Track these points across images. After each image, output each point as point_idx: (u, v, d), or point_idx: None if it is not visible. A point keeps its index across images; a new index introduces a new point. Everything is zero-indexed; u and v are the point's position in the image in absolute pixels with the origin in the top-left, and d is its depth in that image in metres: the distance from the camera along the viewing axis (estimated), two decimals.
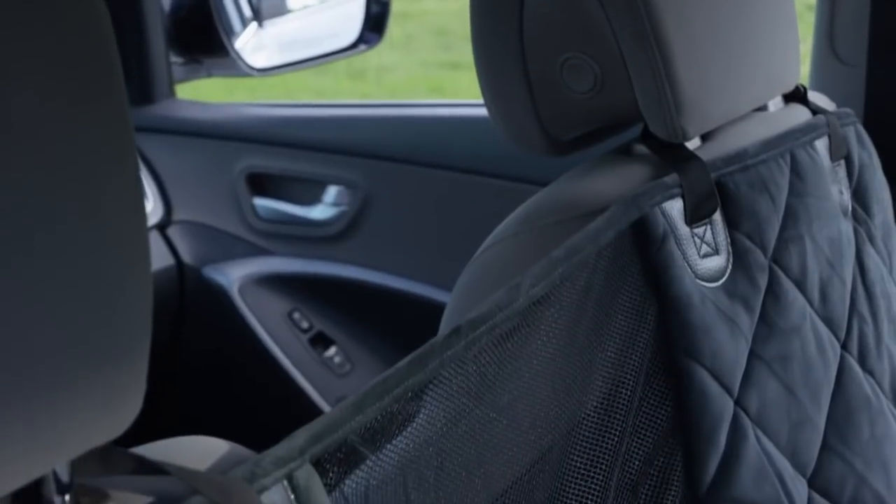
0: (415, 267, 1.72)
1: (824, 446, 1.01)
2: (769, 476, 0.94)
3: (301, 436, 0.63)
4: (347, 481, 0.66)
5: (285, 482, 0.61)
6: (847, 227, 1.07)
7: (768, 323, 0.97)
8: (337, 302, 1.79)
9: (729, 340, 0.93)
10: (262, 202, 1.84)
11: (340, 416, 0.65)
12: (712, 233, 0.95)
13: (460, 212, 1.68)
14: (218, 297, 1.82)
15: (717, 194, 0.96)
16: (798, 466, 0.98)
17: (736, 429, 0.93)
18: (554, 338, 0.82)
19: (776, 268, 0.99)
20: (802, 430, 0.98)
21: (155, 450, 0.62)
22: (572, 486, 0.85)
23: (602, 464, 0.87)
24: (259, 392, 1.86)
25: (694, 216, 0.94)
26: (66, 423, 0.50)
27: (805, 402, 0.98)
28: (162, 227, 1.87)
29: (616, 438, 0.88)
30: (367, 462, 0.68)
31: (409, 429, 0.71)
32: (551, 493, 0.84)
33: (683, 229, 0.93)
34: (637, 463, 0.90)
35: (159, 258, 1.83)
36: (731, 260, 0.96)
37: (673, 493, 0.91)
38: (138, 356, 0.53)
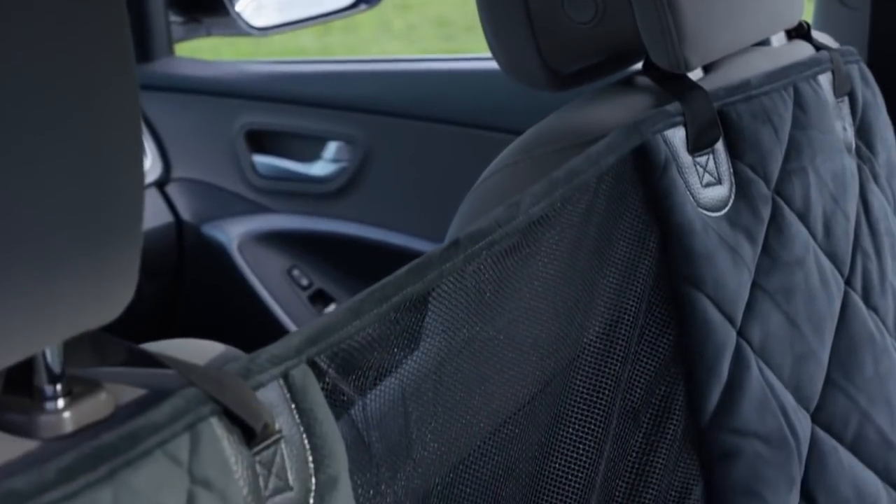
0: (415, 223, 1.71)
1: (828, 381, 1.00)
2: (772, 408, 0.94)
3: (297, 336, 0.62)
4: (344, 387, 0.65)
5: (281, 380, 0.60)
6: (851, 163, 1.06)
7: (771, 255, 0.96)
8: (337, 259, 1.78)
9: (731, 270, 0.92)
10: (261, 159, 1.83)
11: (337, 320, 0.64)
12: (715, 162, 0.94)
13: (461, 166, 1.66)
14: (217, 255, 1.81)
15: (719, 124, 0.95)
16: (801, 401, 0.97)
17: (738, 359, 0.92)
18: (555, 260, 0.81)
19: (779, 199, 0.97)
20: (806, 363, 0.97)
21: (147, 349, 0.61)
22: (575, 411, 0.84)
23: (604, 390, 0.86)
24: (258, 349, 1.84)
25: (696, 145, 0.93)
26: (58, 304, 0.49)
27: (808, 336, 0.97)
28: (161, 184, 1.86)
29: (618, 365, 0.87)
30: (365, 369, 0.67)
31: (407, 341, 0.70)
32: (554, 418, 0.83)
33: (685, 158, 0.92)
34: (639, 391, 0.89)
35: (158, 216, 1.82)
36: (733, 190, 0.95)
37: (675, 421, 0.90)
38: (131, 243, 0.52)
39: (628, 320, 0.88)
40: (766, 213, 0.96)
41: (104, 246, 0.51)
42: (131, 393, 0.57)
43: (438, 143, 1.69)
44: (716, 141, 0.94)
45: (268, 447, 0.57)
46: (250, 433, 0.56)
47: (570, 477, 0.83)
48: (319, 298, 1.81)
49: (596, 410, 0.85)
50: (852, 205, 1.05)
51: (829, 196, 1.02)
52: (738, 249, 0.93)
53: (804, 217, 0.99)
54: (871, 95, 1.12)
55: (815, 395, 0.99)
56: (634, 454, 0.89)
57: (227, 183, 1.84)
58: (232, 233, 1.81)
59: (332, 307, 1.81)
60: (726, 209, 0.94)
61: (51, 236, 0.49)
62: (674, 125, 0.92)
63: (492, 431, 0.76)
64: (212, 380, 0.56)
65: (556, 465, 0.82)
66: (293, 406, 0.59)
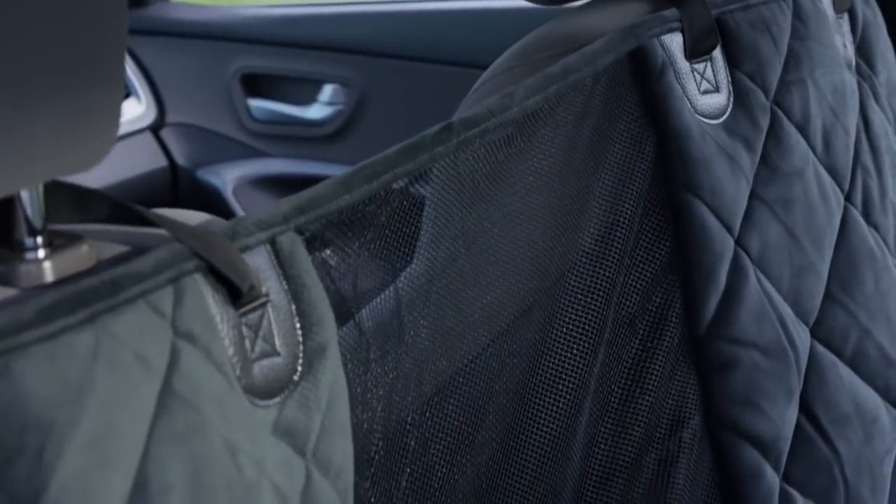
0: None
1: (827, 296, 0.98)
2: (770, 319, 0.92)
3: (285, 204, 0.61)
4: (334, 263, 0.64)
5: (268, 246, 0.58)
6: (851, 79, 1.05)
7: (770, 165, 0.94)
8: None
9: (729, 178, 0.91)
10: (256, 103, 1.81)
11: (326, 191, 0.63)
12: (713, 70, 0.93)
13: (458, 107, 1.65)
14: (212, 199, 1.80)
15: (717, 31, 0.93)
16: (800, 314, 0.96)
17: (736, 268, 0.91)
18: (549, 156, 0.80)
19: (778, 110, 0.96)
20: (805, 276, 0.96)
21: None
22: (569, 313, 0.83)
23: (599, 294, 0.85)
24: None
25: (694, 51, 0.91)
26: (37, 146, 0.48)
27: (807, 248, 0.96)
28: (155, 129, 1.84)
29: (613, 269, 0.86)
30: (355, 248, 0.65)
31: (398, 226, 0.69)
32: (548, 318, 0.82)
33: (683, 64, 0.91)
34: (635, 297, 0.88)
35: (153, 160, 1.81)
36: (731, 99, 0.94)
37: (671, 329, 0.89)
38: (112, 88, 0.51)
39: (624, 224, 0.87)
40: (764, 122, 0.95)
41: (85, 91, 0.50)
42: (114, 250, 0.56)
43: (434, 84, 1.67)
44: (713, 48, 0.93)
45: (254, 310, 0.56)
46: (236, 293, 0.55)
47: (563, 377, 0.81)
48: None
49: (590, 314, 0.84)
50: (852, 120, 1.03)
51: (828, 109, 1.00)
52: (736, 158, 0.92)
53: (803, 129, 0.97)
54: (872, 15, 1.11)
55: (815, 310, 0.97)
56: (630, 360, 0.88)
57: (222, 127, 1.83)
58: (227, 177, 1.80)
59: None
60: (724, 117, 0.93)
61: (31, 77, 0.47)
62: (671, 30, 0.90)
63: (484, 322, 0.75)
64: (197, 238, 0.55)
65: (550, 365, 0.81)
66: (280, 272, 0.58)
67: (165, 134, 1.85)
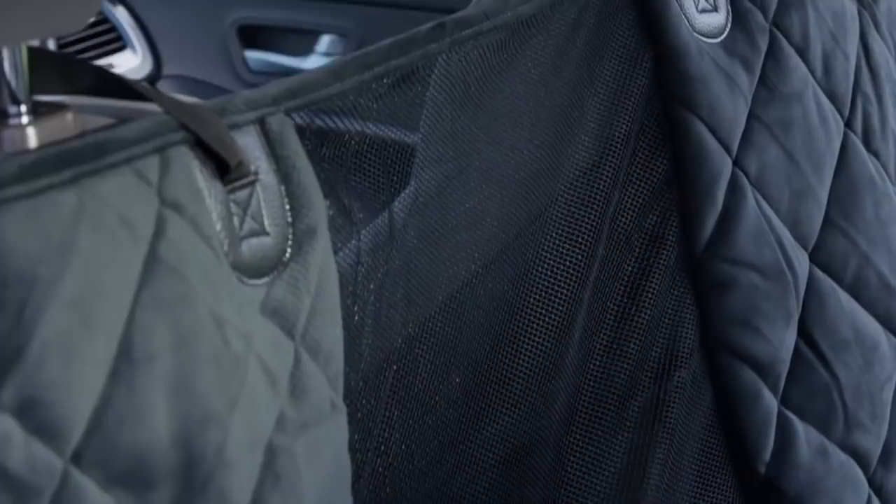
0: None
1: (826, 221, 0.97)
2: (769, 240, 0.91)
3: (275, 87, 0.60)
4: (324, 150, 0.63)
5: (257, 126, 0.57)
6: (851, 5, 1.04)
7: (768, 86, 0.93)
8: None
9: (727, 97, 0.90)
10: (253, 54, 1.80)
11: (317, 77, 0.62)
12: None
13: None
14: None
15: None
16: (799, 239, 0.95)
17: (734, 188, 0.90)
18: (540, 66, 0.79)
19: (777, 31, 0.95)
20: (804, 200, 0.95)
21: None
22: (563, 227, 0.82)
23: (593, 210, 0.84)
24: None
25: None
26: (22, 3, 0.47)
27: (807, 172, 0.95)
28: (151, 81, 1.83)
29: (608, 184, 0.85)
30: (346, 140, 0.65)
31: (389, 123, 0.68)
32: (540, 230, 0.81)
33: None
34: (631, 214, 0.87)
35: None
36: (729, 19, 0.93)
37: (668, 248, 0.88)
38: None
39: (619, 140, 0.86)
40: (763, 43, 0.94)
41: None
42: (100, 122, 0.55)
43: None
44: None
45: (243, 187, 0.55)
46: (224, 169, 0.54)
47: (555, 290, 0.81)
48: None
49: (584, 228, 0.83)
50: (852, 46, 1.02)
51: (828, 33, 0.99)
52: (734, 77, 0.91)
53: (802, 52, 0.96)
54: None
55: (814, 234, 0.96)
56: (626, 278, 0.87)
57: (219, 79, 1.82)
58: None
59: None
60: (722, 37, 0.92)
61: None
62: None
63: (469, 228, 0.74)
64: (185, 111, 0.54)
65: (542, 277, 0.80)
66: (269, 151, 0.57)
67: (161, 86, 1.84)
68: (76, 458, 0.47)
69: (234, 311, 0.53)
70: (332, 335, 0.58)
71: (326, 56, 1.75)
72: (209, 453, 0.51)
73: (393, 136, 0.68)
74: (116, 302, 0.48)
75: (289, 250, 0.57)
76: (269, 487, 0.54)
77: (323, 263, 0.58)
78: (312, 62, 1.77)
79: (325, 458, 0.58)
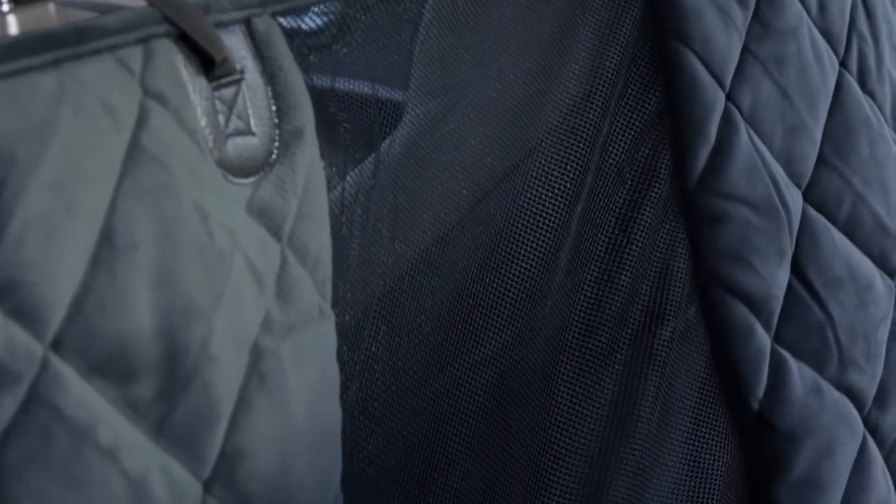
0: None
1: (821, 160, 0.97)
2: (762, 176, 0.91)
3: None
4: (311, 57, 0.62)
5: (242, 26, 0.57)
6: None
7: (762, 21, 0.93)
8: None
9: (721, 30, 0.89)
10: None
11: None
12: None
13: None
14: None
15: None
16: (793, 176, 0.94)
17: (727, 122, 0.89)
18: None
19: None
20: (798, 137, 0.95)
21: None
22: (551, 153, 0.82)
23: (582, 138, 0.83)
24: None
25: None
26: None
27: (801, 109, 0.95)
28: None
29: (598, 114, 0.84)
30: (335, 53, 0.64)
31: (376, 38, 0.68)
32: (527, 154, 0.81)
33: None
34: (622, 145, 0.86)
35: None
36: None
37: (661, 181, 0.88)
38: None
39: (611, 69, 0.85)
40: None
41: None
42: (83, 16, 0.54)
43: None
44: None
45: (228, 85, 0.55)
46: (209, 65, 0.54)
47: (543, 216, 0.80)
48: None
49: (572, 155, 0.82)
50: None
51: None
52: (728, 11, 0.90)
53: None
54: None
55: (808, 172, 0.96)
56: (618, 210, 0.86)
57: None
58: None
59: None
60: None
61: None
62: None
63: (456, 147, 0.74)
64: (170, 5, 0.53)
65: (529, 202, 0.80)
66: (256, 52, 0.57)
67: None
68: (56, 345, 0.46)
69: (218, 206, 0.52)
70: (320, 239, 0.58)
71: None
72: (193, 347, 0.50)
73: (379, 50, 0.68)
74: (98, 188, 0.48)
75: (275, 151, 0.56)
76: (255, 387, 0.54)
77: (310, 166, 0.58)
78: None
79: (312, 363, 0.57)
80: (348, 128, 0.65)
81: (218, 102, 0.54)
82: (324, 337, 0.58)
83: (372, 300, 0.67)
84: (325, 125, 0.62)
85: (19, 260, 0.45)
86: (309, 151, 0.58)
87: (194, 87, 0.53)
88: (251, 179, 0.55)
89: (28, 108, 0.46)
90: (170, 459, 0.50)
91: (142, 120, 0.49)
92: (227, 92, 0.55)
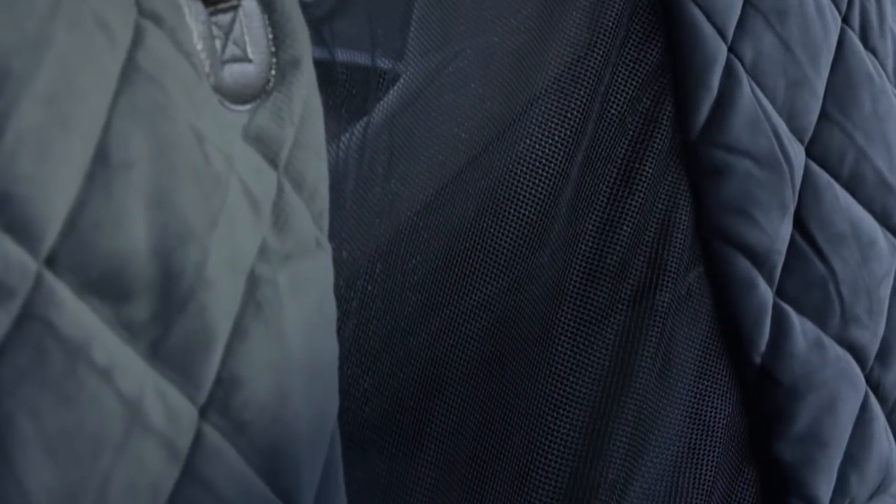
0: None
1: (823, 115, 0.97)
2: (764, 129, 0.91)
3: None
4: None
5: None
6: None
7: None
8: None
9: None
10: None
11: None
12: None
13: None
14: None
15: None
16: (795, 131, 0.94)
17: (730, 74, 0.89)
18: None
19: None
20: (800, 91, 0.94)
21: None
22: (550, 100, 0.81)
23: (582, 86, 0.83)
24: None
25: None
26: None
27: (803, 62, 0.94)
28: None
29: (599, 62, 0.84)
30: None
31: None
32: (526, 102, 0.80)
33: None
34: (623, 96, 0.86)
35: None
36: None
37: (662, 132, 0.87)
38: None
39: (611, 19, 0.85)
40: None
41: None
42: None
43: None
44: None
45: (225, 11, 0.54)
46: None
47: (541, 162, 0.80)
48: None
49: (572, 102, 0.82)
50: None
51: None
52: None
53: None
54: None
55: (810, 127, 0.96)
56: (619, 160, 0.86)
57: None
58: None
59: None
60: None
61: None
62: None
63: (455, 90, 0.73)
64: None
65: (527, 149, 0.80)
66: None
67: None
68: (50, 261, 0.46)
69: (215, 130, 0.52)
70: (317, 170, 0.58)
71: None
72: (188, 269, 0.50)
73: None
74: (93, 105, 0.47)
75: (272, 80, 0.56)
76: (252, 315, 0.53)
77: (307, 96, 0.57)
78: None
79: (309, 294, 0.57)
80: (344, 62, 0.64)
81: (214, 28, 0.54)
82: (321, 269, 0.58)
83: (369, 238, 0.67)
84: (321, 56, 0.62)
85: (13, 173, 0.44)
86: (306, 81, 0.57)
87: (190, 10, 0.52)
88: (247, 107, 0.55)
89: (23, 21, 0.45)
90: (165, 383, 0.50)
91: (137, 39, 0.49)
92: (224, 18, 0.54)
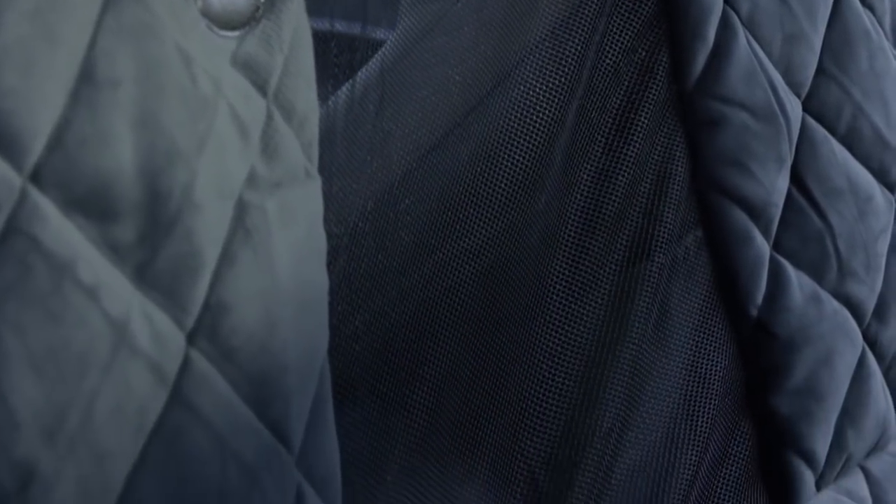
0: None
1: (820, 70, 0.96)
2: (761, 81, 0.90)
3: None
4: None
5: None
6: None
7: None
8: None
9: None
10: None
11: None
12: None
13: None
14: None
15: None
16: (792, 85, 0.94)
17: (726, 26, 0.89)
18: None
19: None
20: (797, 45, 0.94)
21: None
22: (545, 50, 0.81)
23: (576, 34, 0.83)
24: None
25: None
26: None
27: (799, 16, 0.94)
28: None
29: (594, 11, 0.84)
30: None
31: None
32: (521, 51, 0.80)
33: None
34: (619, 45, 0.85)
35: None
36: None
37: (658, 83, 0.87)
38: None
39: None
40: None
41: None
42: None
43: None
44: None
45: None
46: None
47: (537, 108, 0.79)
48: None
49: (567, 50, 0.82)
50: None
51: None
52: None
53: None
54: None
55: (807, 82, 0.95)
56: (615, 110, 0.85)
57: None
58: None
59: None
60: None
61: None
62: None
63: (447, 33, 0.73)
64: None
65: (521, 95, 0.79)
66: None
67: None
68: (35, 176, 0.46)
69: (202, 53, 0.52)
70: (307, 98, 0.57)
71: None
72: (175, 191, 0.50)
73: None
74: (79, 21, 0.47)
75: (261, 7, 0.56)
76: (240, 241, 0.53)
77: (297, 24, 0.57)
78: None
79: (298, 223, 0.56)
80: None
81: None
82: (310, 199, 0.58)
83: (360, 175, 0.66)
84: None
85: None
86: (295, 9, 0.57)
87: None
88: (236, 33, 0.54)
89: None
90: (153, 307, 0.50)
91: None
92: None
